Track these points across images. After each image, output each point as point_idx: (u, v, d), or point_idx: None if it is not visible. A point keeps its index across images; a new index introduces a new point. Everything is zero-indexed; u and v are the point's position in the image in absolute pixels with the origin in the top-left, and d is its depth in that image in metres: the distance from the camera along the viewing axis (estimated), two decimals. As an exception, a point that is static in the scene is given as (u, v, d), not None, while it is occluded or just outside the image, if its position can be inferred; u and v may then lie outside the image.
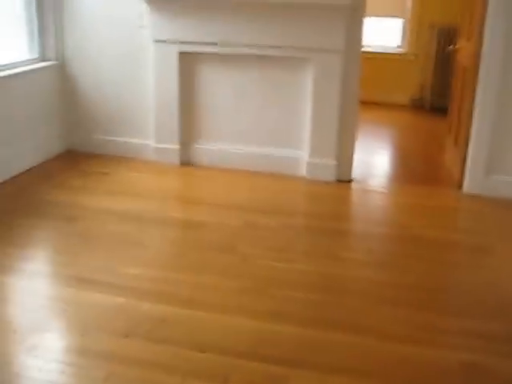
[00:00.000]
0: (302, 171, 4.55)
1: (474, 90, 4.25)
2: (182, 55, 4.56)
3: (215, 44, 4.45)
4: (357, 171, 4.64)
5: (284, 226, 3.70)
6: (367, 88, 7.29)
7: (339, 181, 4.51)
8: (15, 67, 4.42)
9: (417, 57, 7.52)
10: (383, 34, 7.86)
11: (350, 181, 4.54)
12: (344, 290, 3.00)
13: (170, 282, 2.98)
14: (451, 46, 5.08)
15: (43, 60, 4.76)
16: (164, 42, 4.53)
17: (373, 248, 3.47)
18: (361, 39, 4.28)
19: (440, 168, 5.02)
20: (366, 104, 7.15)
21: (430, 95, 7.42)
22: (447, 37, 7.12)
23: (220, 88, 4.62)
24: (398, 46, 7.73)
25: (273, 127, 4.60)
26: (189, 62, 4.60)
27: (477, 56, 4.18)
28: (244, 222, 3.72)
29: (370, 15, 7.31)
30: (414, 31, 7.50)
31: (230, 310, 2.74)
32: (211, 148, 4.75)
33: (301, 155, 4.57)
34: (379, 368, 2.39)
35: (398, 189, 4.53)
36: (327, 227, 3.71)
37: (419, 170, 5.02)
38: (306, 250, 3.46)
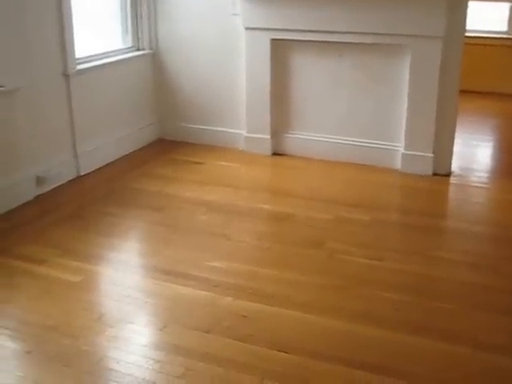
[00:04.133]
0: (397, 163, 4.34)
1: None
2: (275, 43, 4.45)
3: (308, 31, 4.30)
4: (456, 164, 4.38)
5: (376, 222, 3.53)
6: (471, 76, 6.92)
7: (436, 174, 4.26)
8: (110, 56, 4.47)
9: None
10: (489, 18, 7.40)
11: (448, 174, 4.28)
12: (437, 292, 2.82)
13: (253, 276, 2.90)
14: None
15: (138, 49, 4.79)
16: (256, 29, 4.44)
17: (470, 248, 3.24)
18: (464, 24, 4.01)
19: None
20: (470, 93, 6.76)
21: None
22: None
23: (313, 77, 4.48)
24: (506, 32, 7.25)
25: (367, 117, 4.41)
26: (281, 50, 4.49)
27: None
28: (334, 216, 3.58)
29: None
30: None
31: (314, 309, 2.63)
32: (303, 138, 4.62)
33: (396, 146, 4.36)
34: (472, 380, 2.21)
35: (501, 184, 4.22)
36: (422, 224, 3.50)
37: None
38: (398, 247, 3.27)
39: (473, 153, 5.00)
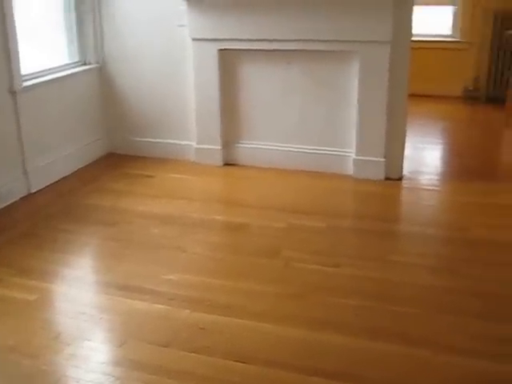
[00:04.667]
0: (349, 169, 4.37)
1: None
2: (223, 53, 4.43)
3: (256, 40, 4.30)
4: (407, 168, 4.43)
5: (331, 228, 3.53)
6: (417, 80, 7.02)
7: (388, 178, 4.30)
8: (56, 72, 4.39)
9: (470, 45, 7.18)
10: (433, 22, 7.55)
11: (400, 178, 4.32)
12: (397, 296, 2.82)
13: (209, 288, 2.86)
14: (510, 31, 4.78)
15: (84, 64, 4.71)
16: (203, 40, 4.41)
17: (426, 251, 3.27)
18: (410, 29, 4.06)
19: (497, 163, 4.75)
20: (417, 97, 6.84)
21: (486, 85, 7.08)
22: (504, 22, 6.77)
23: (262, 85, 4.48)
24: (450, 35, 7.41)
25: (318, 124, 4.43)
26: (229, 60, 4.47)
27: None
28: (288, 224, 3.57)
29: (420, 4, 7.08)
30: (467, 18, 7.16)
31: (271, 318, 2.60)
32: (254, 147, 4.61)
33: (348, 152, 4.38)
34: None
35: (452, 186, 4.29)
36: (376, 229, 3.52)
37: (474, 165, 4.74)
38: (355, 253, 3.27)
39: (423, 156, 5.06)
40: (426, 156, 5.08)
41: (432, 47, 7.26)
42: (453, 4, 7.28)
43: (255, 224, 3.60)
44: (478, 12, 7.03)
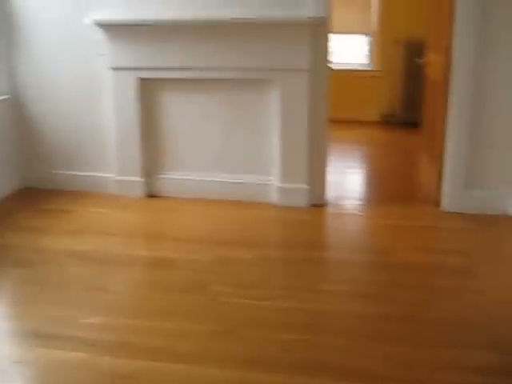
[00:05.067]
0: (274, 197, 4.34)
1: (446, 104, 4.09)
2: (142, 82, 4.33)
3: (176, 69, 4.24)
4: (330, 194, 4.45)
5: (258, 259, 3.47)
6: (337, 106, 7.15)
7: (313, 205, 4.29)
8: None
9: (385, 72, 7.40)
10: (350, 51, 7.72)
11: (323, 205, 4.33)
12: (327, 327, 2.77)
13: (133, 330, 2.71)
14: (419, 60, 4.93)
15: (-5, 95, 4.50)
16: (122, 69, 4.31)
17: (354, 278, 3.25)
18: (327, 56, 4.10)
19: (416, 185, 4.84)
20: (337, 122, 6.97)
21: (401, 110, 7.30)
22: (415, 51, 6.98)
23: (183, 115, 4.40)
24: (366, 63, 7.60)
25: (240, 153, 4.38)
26: (149, 89, 4.37)
27: (447, 69, 4.03)
28: (215, 257, 3.48)
29: (336, 32, 7.22)
30: (381, 47, 7.38)
31: (200, 359, 2.49)
32: (177, 178, 4.51)
33: (271, 181, 4.36)
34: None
35: (375, 210, 4.33)
36: (304, 257, 3.48)
37: (395, 188, 4.83)
38: (283, 284, 3.21)
39: (346, 181, 5.12)
40: (348, 181, 5.14)
41: (350, 75, 7.43)
42: (367, 33, 7.47)
43: (181, 258, 3.49)
44: (389, 41, 7.26)
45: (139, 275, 3.38)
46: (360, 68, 7.54)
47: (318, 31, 3.99)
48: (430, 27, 4.76)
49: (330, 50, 4.08)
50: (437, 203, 4.28)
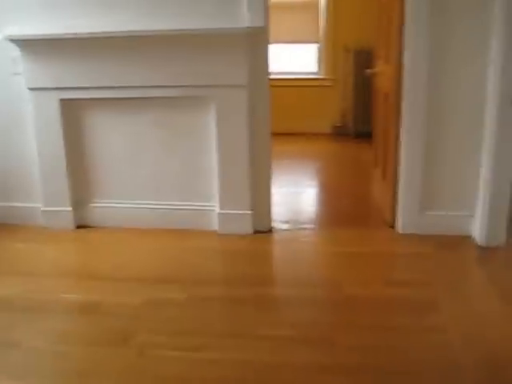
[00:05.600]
0: (214, 225, 3.98)
1: (398, 119, 3.80)
2: (65, 103, 3.93)
3: (102, 88, 3.85)
4: (277, 217, 4.12)
5: (194, 300, 3.09)
6: (285, 118, 6.87)
7: (258, 232, 3.95)
8: None
9: (335, 82, 7.13)
10: (299, 60, 7.44)
11: (269, 231, 3.99)
12: (267, 382, 2.41)
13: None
14: (368, 70, 4.64)
15: None
16: (42, 89, 3.89)
17: (300, 319, 2.88)
18: (267, 69, 3.76)
19: (369, 205, 4.53)
20: (285, 135, 6.70)
21: (353, 121, 7.03)
22: (365, 59, 6.75)
23: (113, 138, 4.02)
24: (315, 72, 7.32)
25: (177, 177, 4.02)
26: (74, 111, 3.98)
27: (398, 81, 3.74)
28: (146, 299, 3.09)
29: (284, 42, 6.93)
30: (331, 56, 7.11)
31: None
32: (109, 206, 4.12)
33: (211, 206, 4.00)
34: None
35: (325, 234, 4.01)
36: (246, 295, 3.12)
37: (347, 209, 4.52)
38: (221, 330, 2.82)
39: (294, 202, 4.77)
40: (297, 201, 4.80)
41: (299, 85, 7.14)
42: (316, 42, 7.19)
43: (108, 301, 3.09)
44: (339, 49, 6.99)
45: (60, 325, 2.95)
46: (310, 77, 7.25)
47: (256, 42, 3.65)
48: (379, 36, 4.48)
49: (270, 62, 3.75)
50: (391, 224, 3.99)
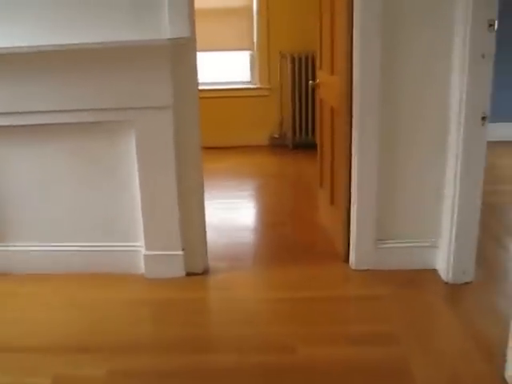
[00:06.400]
0: (141, 268, 3.39)
1: (349, 137, 3.31)
2: (-46, 130, 3.26)
3: (4, 114, 3.19)
4: (212, 254, 3.57)
5: (116, 376, 2.50)
6: (219, 131, 6.33)
7: (191, 274, 3.39)
8: None
9: (271, 91, 6.62)
10: (232, 69, 6.89)
11: (204, 272, 3.44)
12: None
13: None
14: (311, 82, 4.14)
15: None
16: None
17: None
18: (196, 85, 3.21)
19: (317, 234, 4.01)
20: (219, 150, 6.17)
21: (292, 132, 6.54)
22: (303, 65, 6.30)
23: (21, 170, 3.36)
24: (249, 81, 6.79)
25: (96, 214, 3.40)
26: (-34, 139, 3.31)
27: (347, 96, 3.25)
28: (52, 378, 2.48)
29: (215, 50, 6.38)
30: (265, 63, 6.59)
31: None
32: (14, 250, 3.47)
33: (136, 247, 3.41)
34: None
35: (270, 275, 3.45)
36: (178, 367, 2.55)
37: (291, 238, 3.98)
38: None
39: (232, 232, 4.18)
40: (235, 231, 4.20)
41: (233, 95, 6.60)
42: (249, 49, 6.65)
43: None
44: (275, 56, 6.49)
45: None
46: (244, 87, 6.71)
47: (181, 55, 3.09)
48: (321, 43, 3.99)
49: (198, 75, 3.20)
50: (344, 258, 3.50)
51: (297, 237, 4.01)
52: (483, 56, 2.89)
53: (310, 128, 6.44)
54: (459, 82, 2.97)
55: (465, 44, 2.90)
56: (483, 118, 2.97)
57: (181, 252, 3.35)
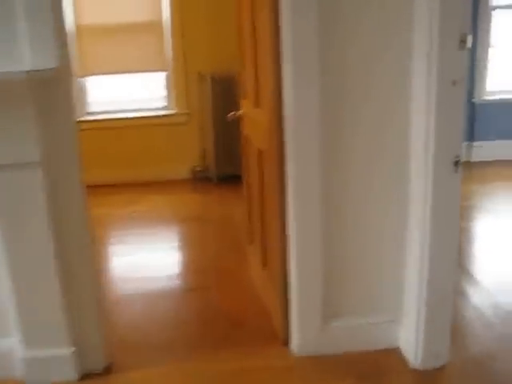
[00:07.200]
0: (17, 371, 2.54)
1: (282, 188, 2.58)
2: None
3: None
4: (118, 340, 2.78)
5: None
6: (132, 166, 5.54)
7: (86, 376, 2.57)
8: None
9: (190, 117, 5.84)
10: (142, 93, 6.08)
11: (105, 371, 2.62)
12: None
13: None
14: (231, 114, 3.37)
15: None
16: None
17: None
18: (73, 129, 2.39)
19: (249, 304, 3.23)
20: (135, 187, 5.36)
21: (215, 163, 5.75)
22: (226, 88, 5.52)
23: None
24: (165, 107, 5.98)
25: None
26: None
27: (277, 136, 2.52)
28: None
29: (118, 72, 5.57)
30: (182, 86, 5.80)
31: None
32: None
33: (9, 346, 2.55)
34: None
35: (194, 371, 2.65)
36: None
37: (218, 309, 3.19)
38: None
39: (145, 303, 3.33)
40: (146, 303, 3.35)
41: (146, 123, 5.79)
42: (162, 69, 5.85)
43: None
44: (193, 79, 5.72)
45: None
46: (160, 114, 5.89)
47: (52, 90, 2.27)
48: (245, 70, 3.24)
49: (75, 116, 2.41)
50: (284, 340, 2.75)
51: (224, 307, 3.21)
52: (454, 83, 2.21)
53: (237, 157, 5.68)
54: (424, 119, 2.28)
55: (430, 68, 2.21)
56: (456, 163, 2.29)
57: (71, 349, 2.52)
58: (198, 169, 5.89)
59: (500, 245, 3.97)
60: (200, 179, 5.85)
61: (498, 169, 5.75)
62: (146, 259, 3.96)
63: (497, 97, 6.08)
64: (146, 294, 3.43)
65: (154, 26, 5.64)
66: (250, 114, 3.11)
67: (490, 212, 4.63)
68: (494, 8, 5.83)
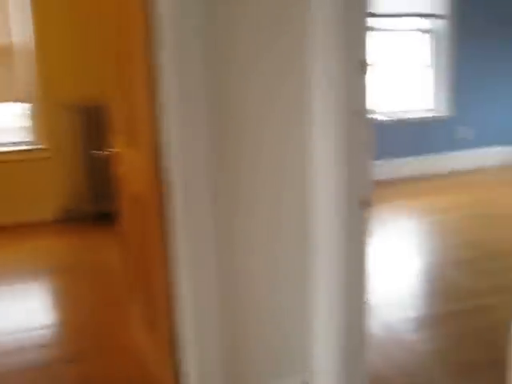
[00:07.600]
0: None
1: (165, 241, 2.19)
2: None
3: None
4: None
5: None
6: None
7: None
8: None
9: (55, 151, 5.26)
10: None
11: None
12: None
13: None
14: (97, 152, 2.90)
15: None
16: None
17: None
18: None
19: (134, 373, 2.76)
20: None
21: (90, 201, 5.21)
22: (95, 117, 5.02)
23: None
24: (25, 142, 5.37)
25: None
26: None
27: (156, 182, 2.13)
28: None
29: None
30: (44, 117, 5.24)
31: None
32: None
33: None
34: None
35: None
36: None
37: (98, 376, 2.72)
38: None
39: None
40: None
41: (4, 160, 5.17)
42: (19, 100, 5.24)
43: None
44: (57, 110, 5.18)
45: None
46: (20, 149, 5.27)
47: None
48: (116, 104, 2.80)
49: None
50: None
51: (106, 382, 2.73)
52: (356, 113, 1.93)
53: (110, 195, 5.17)
54: (325, 156, 1.98)
55: (327, 96, 1.92)
56: (363, 203, 2.01)
57: None
58: (70, 208, 5.31)
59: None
60: (72, 220, 5.28)
61: (398, 187, 5.85)
62: (1, 324, 3.35)
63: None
64: (1, 373, 2.84)
65: (3, 51, 5.03)
66: (124, 154, 2.68)
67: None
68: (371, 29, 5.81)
